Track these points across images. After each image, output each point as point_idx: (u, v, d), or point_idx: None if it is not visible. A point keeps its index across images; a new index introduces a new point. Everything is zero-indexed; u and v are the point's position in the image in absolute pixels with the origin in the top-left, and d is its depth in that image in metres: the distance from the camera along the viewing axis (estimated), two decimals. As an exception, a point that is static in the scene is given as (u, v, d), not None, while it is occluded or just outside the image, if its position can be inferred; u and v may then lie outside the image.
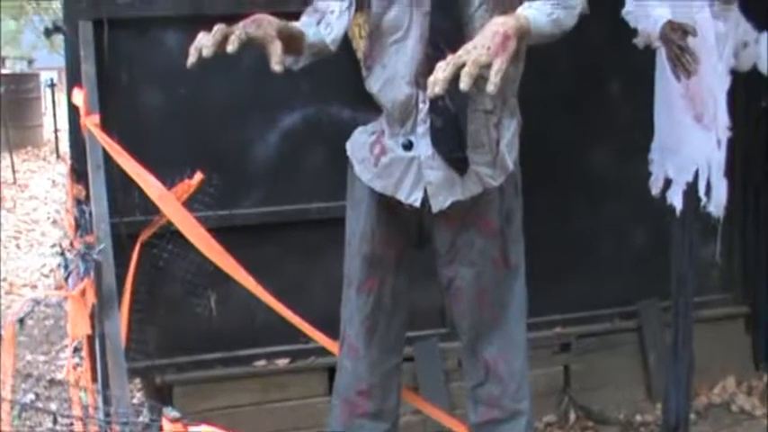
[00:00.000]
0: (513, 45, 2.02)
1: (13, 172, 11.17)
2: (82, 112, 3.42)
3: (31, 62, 23.21)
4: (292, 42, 2.27)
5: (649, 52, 3.60)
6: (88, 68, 3.54)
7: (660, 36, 3.35)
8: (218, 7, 3.64)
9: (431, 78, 1.93)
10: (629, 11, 3.53)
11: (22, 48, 27.69)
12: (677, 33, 3.29)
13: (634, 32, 3.54)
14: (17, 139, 12.47)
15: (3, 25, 21.55)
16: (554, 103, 4.00)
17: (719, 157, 3.73)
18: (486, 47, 1.96)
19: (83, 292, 2.75)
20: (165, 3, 3.72)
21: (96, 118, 3.36)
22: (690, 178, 3.68)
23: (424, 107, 2.47)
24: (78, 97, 3.47)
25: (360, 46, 3.67)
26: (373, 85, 2.58)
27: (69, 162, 3.77)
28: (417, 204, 2.55)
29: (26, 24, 25.28)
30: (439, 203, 2.53)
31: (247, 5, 3.62)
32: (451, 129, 2.45)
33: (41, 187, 10.77)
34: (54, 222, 8.81)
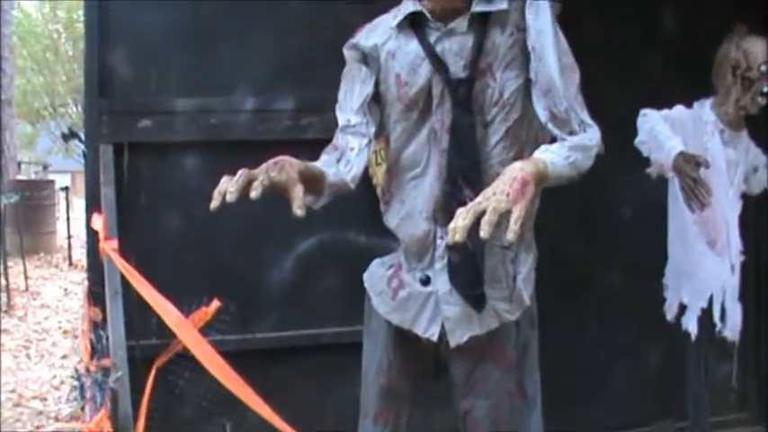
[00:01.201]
0: (532, 191, 2.04)
1: (26, 279, 11.17)
2: (101, 236, 3.46)
3: (46, 167, 23.47)
4: (313, 183, 2.30)
5: (661, 177, 3.65)
6: (108, 192, 3.60)
7: (673, 167, 3.41)
8: (235, 133, 3.70)
9: (451, 225, 1.95)
10: (643, 140, 3.60)
11: (38, 152, 28.08)
12: (690, 165, 3.34)
13: (646, 157, 3.60)
14: (30, 245, 12.51)
15: (19, 129, 21.86)
16: (567, 227, 4.03)
17: (734, 281, 3.76)
18: (505, 193, 1.98)
19: (99, 423, 2.74)
20: (184, 128, 3.80)
21: (115, 243, 3.41)
22: (705, 304, 3.69)
23: (441, 243, 2.48)
24: (97, 222, 3.52)
25: (376, 172, 3.73)
26: (391, 220, 2.61)
27: (87, 284, 3.79)
28: (435, 339, 2.55)
29: (42, 129, 25.69)
30: (456, 338, 2.53)
31: (264, 133, 3.73)
32: (469, 265, 2.45)
33: (53, 295, 10.77)
34: (65, 332, 8.79)
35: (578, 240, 4.14)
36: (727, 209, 3.72)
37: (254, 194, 2.02)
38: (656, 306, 3.80)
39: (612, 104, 3.60)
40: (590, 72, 2.43)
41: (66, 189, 15.34)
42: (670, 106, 3.72)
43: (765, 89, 3.65)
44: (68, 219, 13.99)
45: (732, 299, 3.74)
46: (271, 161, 2.14)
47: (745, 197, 3.86)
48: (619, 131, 3.22)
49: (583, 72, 2.37)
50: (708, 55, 3.80)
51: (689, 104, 3.78)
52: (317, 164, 2.39)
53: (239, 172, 2.05)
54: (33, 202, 13.53)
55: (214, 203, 2.03)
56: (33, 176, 21.92)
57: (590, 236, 4.20)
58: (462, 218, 1.94)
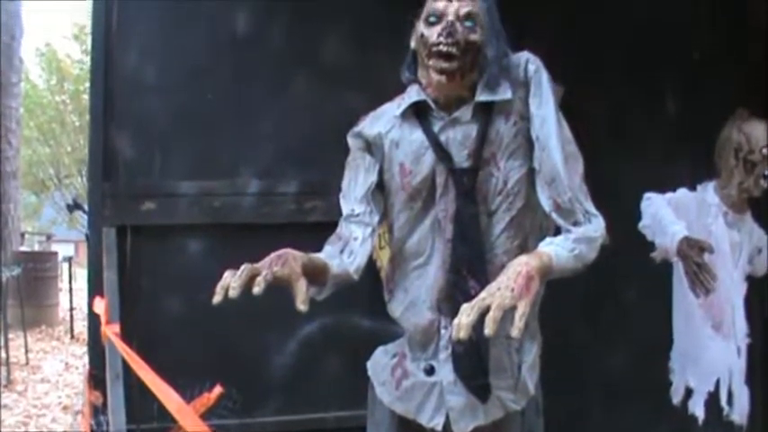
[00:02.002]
0: (537, 285, 2.04)
1: (26, 352, 11.10)
2: (102, 320, 3.45)
3: (49, 237, 23.48)
4: (317, 275, 2.28)
5: (666, 261, 3.64)
6: (110, 276, 3.60)
7: (677, 252, 3.40)
8: (239, 216, 3.71)
9: (455, 321, 1.94)
10: (647, 224, 3.60)
11: (42, 222, 28.13)
12: (694, 250, 3.33)
13: (651, 241, 3.59)
14: (31, 317, 12.44)
15: (24, 200, 21.94)
16: (572, 311, 4.01)
17: (740, 364, 3.73)
18: (509, 288, 1.97)
19: None
20: (188, 211, 3.81)
21: (116, 327, 3.40)
22: (711, 388, 3.66)
23: (446, 333, 2.46)
24: (99, 306, 3.51)
25: (380, 255, 3.72)
26: (395, 309, 2.59)
27: (88, 367, 3.77)
28: (439, 429, 2.52)
29: (47, 199, 25.76)
30: (461, 428, 2.49)
31: (268, 216, 3.73)
32: (473, 355, 2.43)
33: (54, 369, 10.67)
34: (65, 408, 8.69)
35: (583, 324, 4.13)
36: (732, 292, 3.71)
37: (256, 290, 2.01)
38: (662, 390, 3.76)
39: (616, 187, 3.62)
40: (594, 155, 2.43)
41: (69, 259, 15.31)
42: (674, 189, 3.72)
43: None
44: (71, 290, 13.92)
45: (739, 382, 3.71)
46: (274, 254, 2.13)
47: (749, 279, 3.84)
48: (623, 214, 3.23)
49: (586, 155, 2.37)
50: (711, 137, 3.81)
51: (692, 187, 3.78)
52: (321, 255, 2.38)
53: (242, 267, 2.04)
54: (36, 274, 13.49)
55: (216, 298, 2.02)
56: (37, 247, 21.93)
57: (595, 320, 4.18)
58: (466, 314, 1.93)
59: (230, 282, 2.01)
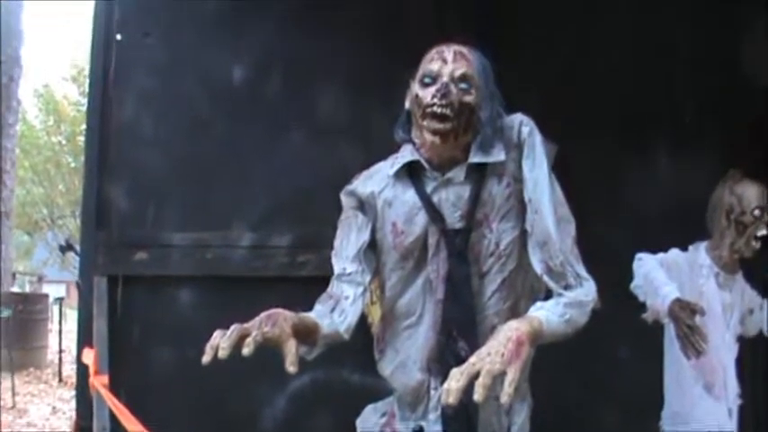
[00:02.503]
0: (527, 351, 2.03)
1: (13, 396, 11.01)
2: (91, 370, 3.43)
3: (41, 278, 23.43)
4: (307, 335, 2.27)
5: (657, 322, 3.63)
6: (100, 326, 3.59)
7: (669, 313, 3.40)
8: (231, 269, 3.70)
9: (444, 386, 1.92)
10: (638, 285, 3.61)
11: (34, 262, 28.02)
12: (686, 312, 3.33)
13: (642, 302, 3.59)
14: (20, 360, 12.36)
15: (16, 239, 21.88)
16: (563, 371, 3.99)
17: (731, 426, 3.71)
18: (499, 354, 1.97)
19: None
20: (180, 262, 3.81)
21: (105, 378, 3.38)
22: (702, 449, 3.63)
23: (435, 394, 2.45)
24: (88, 356, 3.49)
25: (371, 311, 3.70)
26: (385, 368, 2.58)
27: (75, 418, 3.74)
28: (428, 490, 2.50)
29: (40, 240, 25.69)
30: (450, 490, 2.48)
31: (260, 269, 3.73)
32: (463, 417, 2.42)
33: (41, 413, 10.58)
34: (50, 455, 8.62)
35: (574, 385, 4.11)
36: (723, 353, 3.70)
37: (246, 351, 2.00)
38: (653, 449, 3.74)
39: (608, 246, 3.62)
40: (585, 215, 2.44)
41: (60, 300, 15.24)
42: (665, 249, 3.73)
43: (759, 233, 3.67)
44: (60, 332, 13.84)
45: (730, 444, 3.69)
46: (264, 314, 2.12)
47: (741, 339, 3.83)
48: (615, 274, 3.24)
49: (578, 215, 2.38)
50: (703, 198, 3.82)
51: (684, 248, 3.79)
52: (311, 314, 2.37)
53: (232, 327, 2.03)
54: (26, 316, 13.44)
55: (206, 358, 2.02)
56: (28, 287, 21.87)
57: (586, 380, 4.16)
58: (456, 380, 1.91)
59: (220, 342, 2.00)
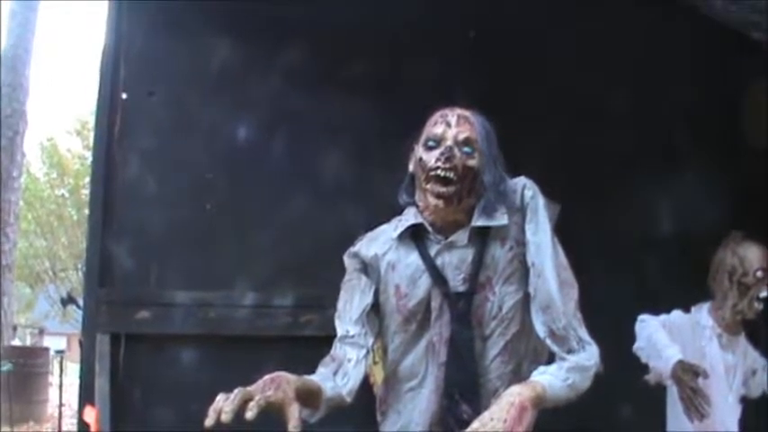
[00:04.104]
0: (529, 416, 2.03)
1: (12, 451, 10.92)
2: (92, 429, 3.41)
3: (42, 331, 23.33)
4: (310, 398, 2.27)
5: (660, 384, 3.62)
6: (102, 384, 3.58)
7: (672, 376, 3.39)
8: (234, 328, 3.70)
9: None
10: (641, 347, 3.60)
11: (35, 315, 27.91)
12: (689, 374, 3.33)
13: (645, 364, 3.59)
14: (20, 414, 12.26)
15: (17, 292, 21.82)
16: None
17: (736, 489, 3.68)
18: (502, 419, 1.97)
19: None
20: (182, 321, 3.80)
21: (106, 438, 3.35)
22: None
23: (439, 458, 2.45)
24: (90, 415, 3.48)
25: (373, 371, 3.70)
26: (388, 430, 2.57)
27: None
28: None
29: (41, 292, 25.60)
30: None
31: (263, 328, 3.73)
32: (465, 482, 2.41)
33: (40, 468, 10.51)
34: None
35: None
36: (726, 414, 3.69)
37: (249, 415, 1.99)
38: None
39: (611, 308, 3.62)
40: (587, 276, 2.45)
41: (61, 353, 15.16)
42: (668, 310, 3.74)
43: (762, 295, 3.67)
44: (61, 385, 13.75)
45: (736, 506, 3.66)
46: (267, 378, 2.12)
47: (744, 401, 3.82)
48: (617, 335, 3.23)
49: (580, 276, 2.39)
50: (705, 259, 3.83)
51: (687, 309, 3.79)
52: (314, 378, 2.36)
53: (235, 391, 2.03)
54: (27, 370, 13.35)
55: (208, 422, 2.01)
56: (29, 340, 21.77)
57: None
58: (461, 442, 1.91)
59: (223, 405, 2.00)
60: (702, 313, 3.78)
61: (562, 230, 2.42)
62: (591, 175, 4.48)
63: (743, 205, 4.39)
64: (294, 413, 2.07)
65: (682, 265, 4.30)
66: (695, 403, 3.30)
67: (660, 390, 3.68)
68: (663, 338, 3.54)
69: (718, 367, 3.67)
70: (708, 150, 4.77)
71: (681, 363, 3.39)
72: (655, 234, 4.59)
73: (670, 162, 4.72)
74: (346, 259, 2.61)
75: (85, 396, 3.66)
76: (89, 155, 21.17)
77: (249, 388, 2.06)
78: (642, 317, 3.69)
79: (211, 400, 1.94)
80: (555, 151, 4.37)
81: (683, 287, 3.99)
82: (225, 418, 1.98)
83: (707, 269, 3.83)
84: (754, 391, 3.88)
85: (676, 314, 3.76)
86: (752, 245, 3.74)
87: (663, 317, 3.70)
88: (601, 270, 3.99)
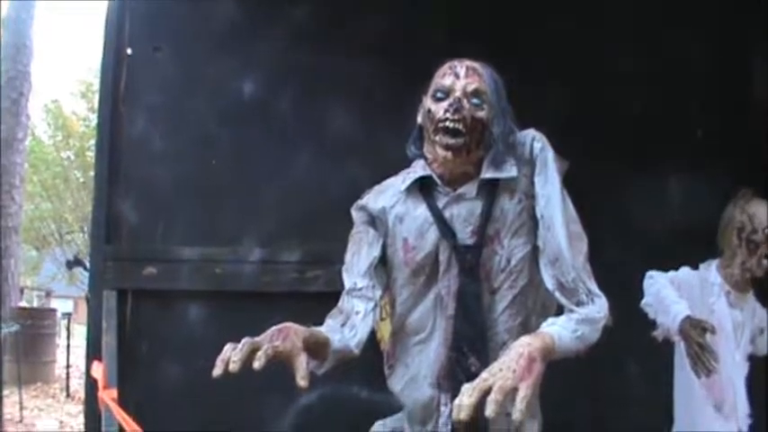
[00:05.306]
0: (539, 367, 2.01)
1: (21, 409, 10.99)
2: (100, 384, 3.42)
3: (48, 293, 23.43)
4: (317, 350, 2.26)
5: (667, 340, 3.62)
6: (109, 340, 3.58)
7: (679, 332, 3.39)
8: (240, 284, 3.69)
9: (456, 402, 1.91)
10: (649, 303, 3.60)
11: (41, 278, 28.02)
12: (696, 330, 3.32)
13: (653, 320, 3.58)
14: (28, 374, 12.32)
15: (24, 255, 21.86)
16: (573, 389, 3.97)
17: (741, 445, 3.69)
18: (511, 370, 1.95)
19: None
20: (189, 277, 3.80)
21: (114, 392, 3.36)
22: (712, 468, 3.61)
23: (445, 410, 2.44)
24: (97, 370, 3.48)
25: (380, 327, 3.70)
26: (395, 384, 2.57)
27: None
28: (438, 504, 2.49)
29: (48, 255, 25.68)
30: (459, 506, 2.46)
31: (269, 284, 3.72)
32: (473, 433, 2.41)
33: (48, 428, 10.54)
34: (56, 469, 8.60)
35: (584, 402, 4.08)
36: (733, 371, 3.68)
37: (257, 365, 1.99)
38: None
39: (618, 265, 3.61)
40: (596, 234, 2.43)
41: (68, 316, 15.24)
42: (677, 268, 3.72)
43: (770, 252, 3.66)
44: (68, 347, 13.83)
45: (740, 463, 3.67)
46: (275, 328, 2.11)
47: (751, 358, 3.81)
48: (625, 292, 3.22)
49: (589, 234, 2.37)
50: (714, 216, 3.81)
51: (695, 266, 3.78)
52: (322, 329, 2.35)
53: (243, 340, 2.02)
54: (34, 331, 13.41)
55: (217, 371, 2.01)
56: (36, 302, 21.88)
57: (595, 398, 4.14)
58: (468, 395, 1.90)
59: (231, 355, 1.99)
60: (711, 270, 3.76)
61: (569, 190, 2.39)
62: (600, 136, 4.44)
63: (753, 164, 4.35)
64: (302, 364, 2.06)
65: (690, 222, 4.28)
66: (703, 359, 3.29)
67: (667, 346, 3.68)
68: (671, 295, 3.53)
69: (726, 324, 3.66)
70: (718, 110, 4.73)
71: (689, 318, 3.38)
72: (664, 192, 4.56)
73: (680, 122, 4.68)
74: (354, 212, 2.60)
75: (93, 352, 3.67)
76: (94, 117, 21.17)
77: (257, 338, 2.05)
78: (650, 273, 3.68)
79: (217, 355, 1.94)
80: (563, 111, 4.33)
81: (691, 244, 3.98)
82: (233, 367, 1.98)
83: (716, 227, 3.81)
84: (762, 349, 3.87)
85: (684, 271, 3.75)
86: (761, 202, 3.72)
87: (671, 273, 3.69)
88: (609, 229, 3.98)
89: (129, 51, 4.03)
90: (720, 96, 4.72)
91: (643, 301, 3.62)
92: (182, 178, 3.94)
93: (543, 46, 4.45)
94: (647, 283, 3.66)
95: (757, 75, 4.82)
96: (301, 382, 2.04)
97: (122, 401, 3.37)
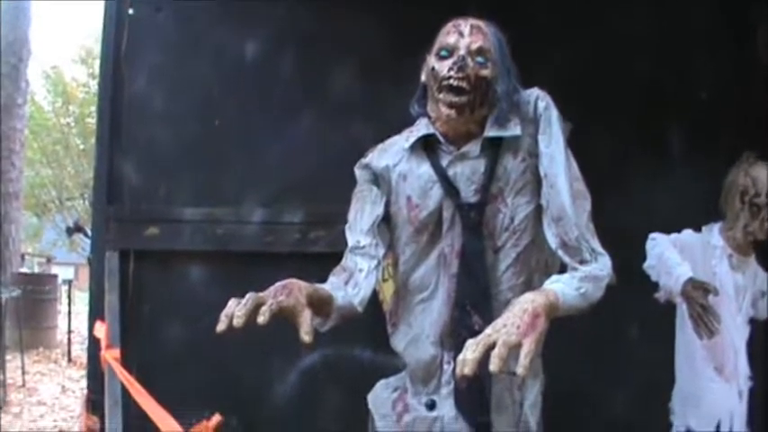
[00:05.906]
0: (543, 323, 2.01)
1: (23, 374, 11.05)
2: (102, 344, 3.43)
3: (49, 260, 23.45)
4: (321, 306, 2.26)
5: (670, 302, 3.62)
6: (112, 300, 3.59)
7: (682, 293, 3.40)
8: (242, 244, 3.69)
9: (460, 357, 1.91)
10: (651, 265, 3.60)
11: (42, 245, 28.07)
12: (699, 292, 3.33)
13: (655, 282, 3.58)
14: (29, 340, 12.38)
15: (25, 221, 21.88)
16: (574, 350, 3.98)
17: (741, 408, 3.71)
18: (515, 325, 1.95)
19: None
20: (191, 237, 3.80)
21: (116, 352, 3.38)
22: (712, 430, 3.63)
23: (448, 368, 2.45)
24: (100, 330, 3.49)
25: (383, 288, 3.70)
26: (398, 343, 2.57)
27: (86, 391, 3.75)
28: (440, 462, 2.49)
29: (48, 222, 25.71)
30: (461, 464, 2.47)
31: (271, 245, 3.72)
32: (475, 392, 2.41)
33: (50, 392, 10.62)
34: (61, 432, 8.64)
35: (585, 363, 4.09)
36: (735, 334, 3.70)
37: (261, 320, 1.98)
38: (662, 431, 3.73)
39: (622, 226, 3.60)
40: (599, 195, 2.42)
41: (69, 282, 15.27)
42: (679, 230, 3.72)
43: (773, 215, 3.65)
44: (70, 313, 13.87)
45: (740, 425, 3.69)
46: (279, 284, 2.10)
47: (752, 322, 3.82)
48: (628, 254, 3.22)
49: (593, 196, 2.36)
50: (717, 179, 3.80)
51: (698, 228, 3.78)
52: (326, 286, 2.35)
53: (247, 296, 2.02)
54: (35, 297, 13.45)
55: (220, 326, 2.00)
56: (37, 269, 21.89)
57: (597, 359, 4.15)
58: (471, 350, 1.90)
59: (235, 310, 1.99)
60: (713, 233, 3.77)
61: (573, 152, 2.38)
62: (603, 98, 4.42)
63: (757, 128, 4.34)
64: (306, 319, 2.06)
65: (693, 184, 4.27)
66: (705, 320, 3.30)
67: (669, 308, 3.68)
68: (673, 257, 3.54)
69: (728, 287, 3.67)
70: (723, 74, 4.70)
71: (692, 280, 3.39)
72: (667, 153, 4.54)
73: (684, 85, 4.66)
74: (357, 170, 2.59)
75: (96, 312, 3.68)
76: (94, 83, 21.15)
77: (261, 294, 2.05)
78: (653, 235, 3.68)
79: (219, 314, 1.93)
80: (567, 72, 4.31)
81: (694, 208, 3.97)
82: (237, 322, 1.98)
83: (719, 191, 3.81)
84: (763, 313, 3.88)
85: (687, 233, 3.75)
86: (765, 166, 3.71)
87: (674, 236, 3.70)
88: (612, 191, 3.96)
89: (130, 11, 4.01)
90: (725, 59, 4.69)
91: (645, 264, 3.63)
92: (184, 139, 3.93)
93: (546, 6, 4.42)
94: (649, 244, 3.67)
95: (761, 37, 4.79)
96: (306, 337, 2.03)
97: (125, 361, 3.39)
